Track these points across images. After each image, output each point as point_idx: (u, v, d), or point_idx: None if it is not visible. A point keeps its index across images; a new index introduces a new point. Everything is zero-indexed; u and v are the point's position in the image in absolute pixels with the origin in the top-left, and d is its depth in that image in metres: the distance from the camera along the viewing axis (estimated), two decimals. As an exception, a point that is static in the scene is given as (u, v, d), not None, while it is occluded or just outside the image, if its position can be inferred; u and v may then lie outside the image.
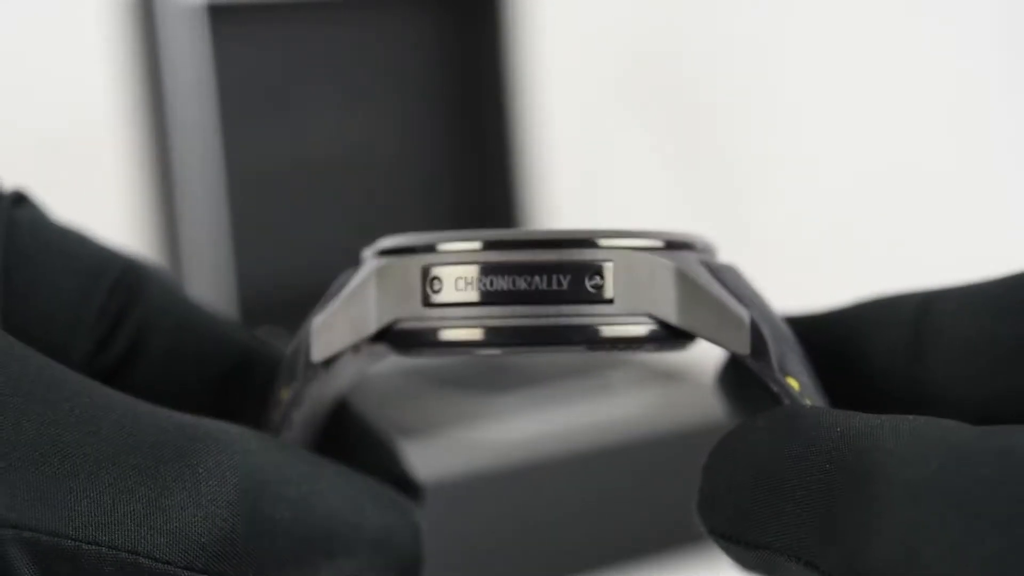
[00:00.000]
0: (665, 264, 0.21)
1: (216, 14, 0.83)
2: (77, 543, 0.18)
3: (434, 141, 0.93)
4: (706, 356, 0.24)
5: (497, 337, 0.21)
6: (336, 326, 0.22)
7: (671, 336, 0.21)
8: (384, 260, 0.22)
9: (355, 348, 0.23)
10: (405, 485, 0.25)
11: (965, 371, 0.20)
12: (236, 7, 0.85)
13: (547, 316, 0.21)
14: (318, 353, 0.22)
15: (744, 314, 0.21)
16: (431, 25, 0.94)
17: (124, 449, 0.19)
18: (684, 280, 0.21)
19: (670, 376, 0.77)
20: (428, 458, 0.70)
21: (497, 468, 0.71)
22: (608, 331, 0.21)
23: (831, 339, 0.22)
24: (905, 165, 0.97)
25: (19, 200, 0.23)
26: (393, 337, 0.22)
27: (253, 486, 0.20)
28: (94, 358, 0.23)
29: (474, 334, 0.21)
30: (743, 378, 0.23)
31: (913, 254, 0.93)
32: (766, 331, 0.21)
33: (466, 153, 0.93)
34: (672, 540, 0.73)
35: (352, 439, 0.25)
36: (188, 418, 0.20)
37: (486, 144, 0.92)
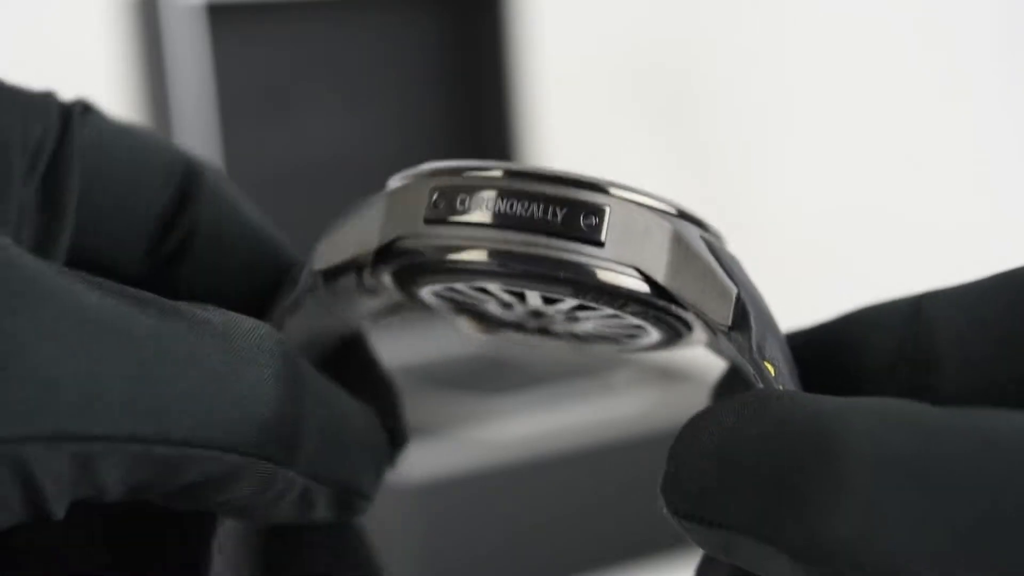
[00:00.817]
0: (663, 224, 0.21)
1: (216, 14, 0.83)
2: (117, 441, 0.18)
3: (434, 141, 0.93)
4: (707, 357, 0.24)
5: (496, 260, 0.21)
6: (342, 239, 0.23)
7: (655, 297, 0.21)
8: (398, 181, 0.22)
9: (357, 268, 0.22)
10: (395, 436, 0.25)
11: (960, 364, 0.20)
12: (236, 7, 0.85)
13: (537, 245, 0.21)
14: (320, 262, 0.23)
15: (731, 288, 0.21)
16: (431, 25, 0.93)
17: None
18: (678, 243, 0.21)
19: (670, 376, 0.77)
20: (428, 458, 0.70)
21: (497, 467, 0.71)
22: (594, 273, 0.21)
23: (825, 351, 0.22)
24: (905, 173, 0.97)
25: (86, 109, 0.23)
26: (393, 255, 0.22)
27: (292, 374, 0.20)
28: (150, 258, 0.24)
29: (470, 254, 0.21)
30: (740, 391, 0.23)
31: (909, 263, 0.93)
32: (751, 310, 0.21)
33: (466, 153, 0.93)
34: (672, 540, 0.73)
35: (358, 376, 0.25)
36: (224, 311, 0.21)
37: (486, 144, 0.92)
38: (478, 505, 0.70)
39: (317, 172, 0.88)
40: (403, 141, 0.92)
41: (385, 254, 0.22)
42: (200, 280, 0.24)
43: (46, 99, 0.23)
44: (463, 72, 0.94)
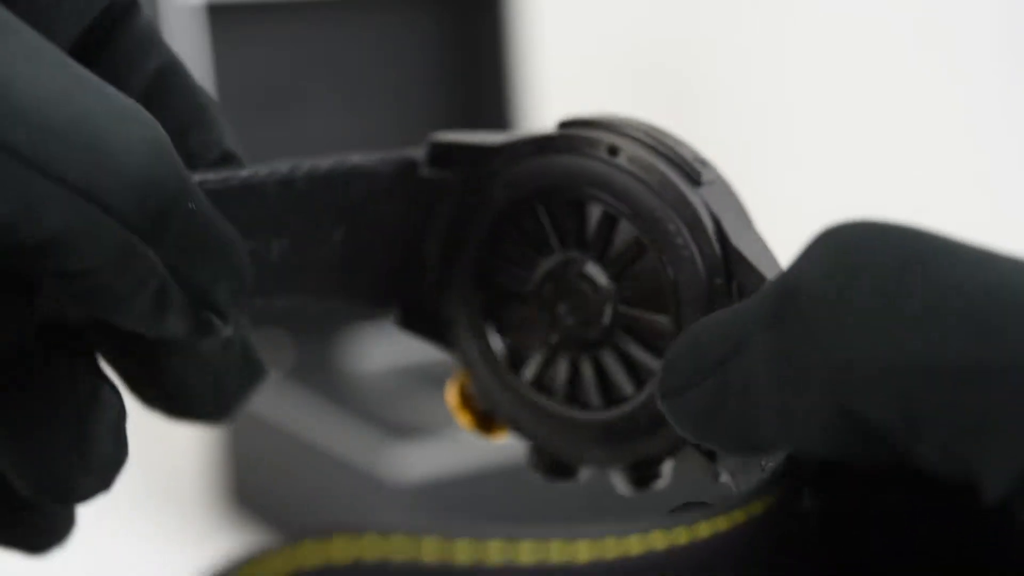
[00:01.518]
0: (742, 203, 0.25)
1: (216, 14, 0.83)
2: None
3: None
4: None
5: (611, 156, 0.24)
6: (472, 135, 0.25)
7: (720, 250, 0.23)
8: None
9: (472, 157, 0.25)
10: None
11: None
12: (236, 7, 0.85)
13: (653, 154, 0.24)
14: (441, 136, 0.25)
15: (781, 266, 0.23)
16: (431, 25, 0.94)
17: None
18: (748, 217, 0.24)
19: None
20: (428, 458, 0.70)
21: (497, 467, 0.71)
22: (688, 197, 0.23)
23: None
24: (905, 173, 0.97)
25: None
26: (516, 145, 0.24)
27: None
28: None
29: (597, 136, 0.24)
30: None
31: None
32: None
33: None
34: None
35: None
36: None
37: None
38: (478, 505, 0.70)
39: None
40: (403, 141, 0.92)
41: (508, 146, 0.25)
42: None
43: None
44: (463, 72, 0.94)
